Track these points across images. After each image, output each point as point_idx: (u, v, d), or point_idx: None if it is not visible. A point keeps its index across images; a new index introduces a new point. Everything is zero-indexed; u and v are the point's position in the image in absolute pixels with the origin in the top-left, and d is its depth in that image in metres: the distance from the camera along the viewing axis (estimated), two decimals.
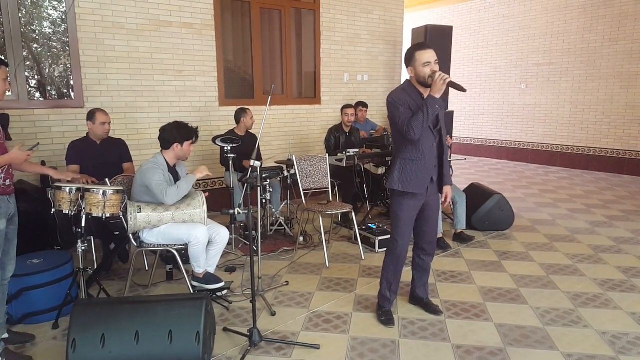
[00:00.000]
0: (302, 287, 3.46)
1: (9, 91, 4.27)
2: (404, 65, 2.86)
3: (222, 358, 2.55)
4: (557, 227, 4.99)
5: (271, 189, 4.50)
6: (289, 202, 5.05)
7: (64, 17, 4.69)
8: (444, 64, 6.32)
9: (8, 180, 2.45)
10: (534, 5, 9.08)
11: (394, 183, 2.75)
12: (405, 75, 3.51)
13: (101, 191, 2.84)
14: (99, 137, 3.86)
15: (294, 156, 4.32)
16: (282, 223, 4.69)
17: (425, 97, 2.61)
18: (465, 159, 9.71)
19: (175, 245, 3.13)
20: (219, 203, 4.26)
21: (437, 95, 2.55)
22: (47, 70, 5.18)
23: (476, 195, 4.88)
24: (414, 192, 2.73)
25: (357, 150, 5.01)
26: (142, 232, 3.12)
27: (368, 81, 6.99)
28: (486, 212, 4.73)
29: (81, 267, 2.89)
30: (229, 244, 3.94)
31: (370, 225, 4.45)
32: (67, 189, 2.80)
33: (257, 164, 2.86)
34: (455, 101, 9.97)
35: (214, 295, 3.15)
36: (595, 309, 3.07)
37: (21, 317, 2.89)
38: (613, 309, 3.07)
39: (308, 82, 6.60)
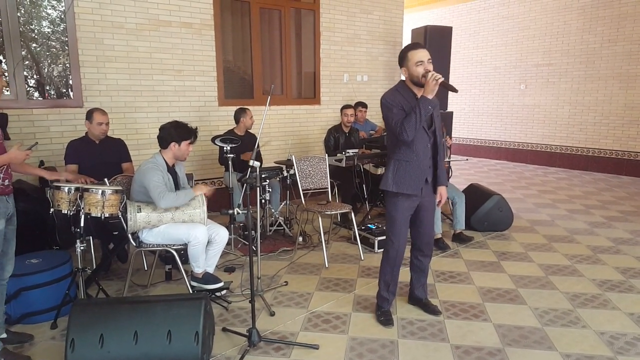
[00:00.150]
0: (301, 287, 3.46)
1: (7, 90, 4.31)
2: None
3: (221, 358, 2.54)
4: (556, 227, 4.99)
5: (270, 189, 4.50)
6: (288, 202, 5.05)
7: (63, 16, 4.68)
8: (444, 64, 6.33)
9: (7, 180, 2.44)
10: (533, 6, 9.09)
11: (388, 184, 2.74)
12: None
13: (100, 191, 2.84)
14: (96, 136, 3.85)
15: (293, 156, 4.32)
16: (282, 223, 4.69)
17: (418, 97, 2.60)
18: (467, 159, 9.71)
19: (174, 245, 3.12)
20: (218, 203, 4.26)
21: (430, 96, 2.54)
22: (46, 69, 5.17)
23: (475, 195, 4.88)
24: (408, 193, 2.72)
25: (356, 150, 5.02)
26: (141, 232, 3.11)
27: (368, 81, 6.99)
28: (485, 212, 4.73)
29: (80, 267, 2.89)
30: (228, 244, 3.94)
31: (369, 225, 4.45)
32: (66, 189, 2.80)
33: (257, 164, 2.86)
34: (454, 102, 9.98)
35: (213, 295, 3.15)
36: (594, 310, 3.07)
37: (20, 317, 2.88)
38: (611, 310, 3.07)
39: (307, 83, 6.60)
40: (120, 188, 2.98)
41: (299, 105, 6.39)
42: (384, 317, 2.90)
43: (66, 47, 4.73)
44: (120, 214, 2.99)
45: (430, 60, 2.61)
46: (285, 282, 3.55)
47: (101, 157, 3.82)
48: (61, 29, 4.92)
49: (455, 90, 2.68)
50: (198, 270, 3.17)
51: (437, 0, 10.06)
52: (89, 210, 2.82)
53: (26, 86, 4.61)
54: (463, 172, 8.55)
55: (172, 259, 3.39)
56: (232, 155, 4.23)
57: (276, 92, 6.23)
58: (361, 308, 3.12)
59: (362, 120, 6.04)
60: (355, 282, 3.56)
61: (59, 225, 3.65)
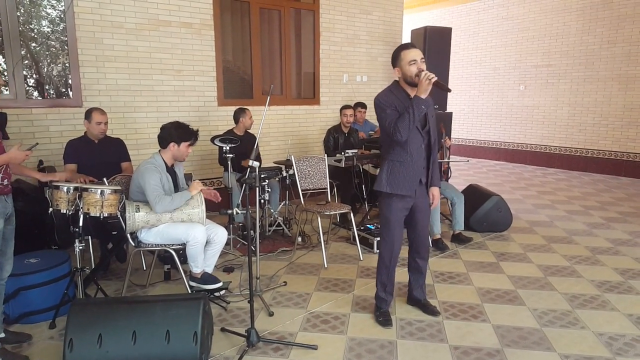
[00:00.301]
0: (300, 288, 3.46)
1: (6, 90, 4.30)
2: None
3: (220, 358, 2.54)
4: (555, 228, 5.00)
5: (270, 189, 4.50)
6: (287, 202, 5.05)
7: (62, 15, 4.68)
8: (443, 65, 6.33)
9: (6, 180, 2.44)
10: (532, 7, 9.10)
11: (382, 185, 2.73)
12: None
13: (99, 191, 2.84)
14: (95, 136, 3.85)
15: (292, 156, 4.32)
16: (281, 223, 4.69)
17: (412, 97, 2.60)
18: (468, 160, 9.71)
19: (173, 245, 3.12)
20: (217, 203, 4.25)
21: (424, 95, 2.54)
22: (46, 69, 5.17)
23: (474, 196, 4.88)
24: (402, 194, 2.72)
25: (355, 151, 5.02)
26: (140, 232, 3.11)
27: (367, 82, 6.99)
28: (484, 213, 4.74)
29: (78, 266, 2.89)
30: (227, 244, 3.94)
31: (368, 225, 4.45)
32: (65, 188, 2.79)
33: (256, 164, 2.85)
34: (454, 102, 9.98)
35: (212, 296, 3.15)
36: (593, 311, 3.08)
37: (18, 317, 2.88)
38: (610, 311, 3.08)
39: (307, 83, 6.60)
40: (119, 188, 2.98)
41: (299, 105, 6.39)
42: (383, 318, 2.90)
43: (66, 47, 4.72)
44: (119, 213, 2.99)
45: (424, 60, 2.61)
46: (284, 282, 3.55)
47: (100, 156, 3.82)
48: (61, 28, 4.92)
49: (448, 90, 2.67)
50: (197, 270, 3.17)
51: (436, 1, 10.06)
52: (88, 209, 2.82)
53: (25, 85, 4.60)
54: (462, 172, 8.55)
55: (170, 259, 3.38)
56: (231, 155, 4.23)
57: (276, 92, 6.23)
58: (360, 308, 3.12)
59: (361, 120, 6.04)
60: (354, 282, 3.56)
61: (57, 225, 3.64)
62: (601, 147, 8.34)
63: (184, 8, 5.20)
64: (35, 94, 5.09)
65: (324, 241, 3.99)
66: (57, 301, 2.92)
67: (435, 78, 2.51)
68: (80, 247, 2.88)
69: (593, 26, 8.23)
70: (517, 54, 9.46)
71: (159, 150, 3.23)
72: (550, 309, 3.09)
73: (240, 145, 4.38)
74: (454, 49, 7.82)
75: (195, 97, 5.43)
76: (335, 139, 5.35)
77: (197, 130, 3.27)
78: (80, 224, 2.84)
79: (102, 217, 2.87)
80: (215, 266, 3.38)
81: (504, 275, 3.69)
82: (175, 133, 3.16)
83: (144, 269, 3.81)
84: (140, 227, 3.06)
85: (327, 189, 4.42)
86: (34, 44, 5.02)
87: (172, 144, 3.16)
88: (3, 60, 4.43)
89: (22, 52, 4.51)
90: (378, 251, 2.98)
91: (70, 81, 4.75)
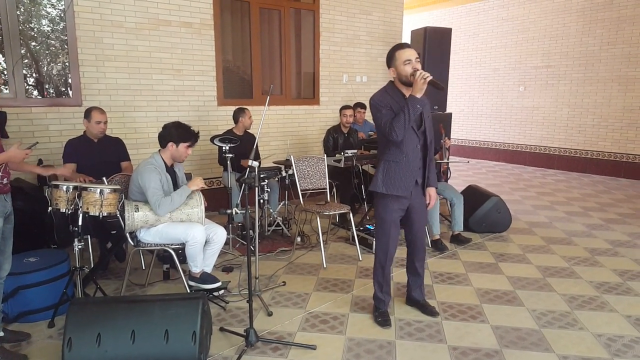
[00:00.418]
0: (299, 288, 3.46)
1: (6, 88, 4.30)
2: None
3: (219, 358, 2.54)
4: (554, 229, 5.00)
5: (269, 189, 4.49)
6: (286, 202, 5.05)
7: (62, 15, 4.68)
8: (443, 65, 6.32)
9: (5, 179, 2.44)
10: (532, 8, 9.11)
11: (377, 185, 2.73)
12: None
13: (98, 190, 2.83)
14: (95, 135, 3.85)
15: (292, 156, 4.32)
16: (280, 223, 4.69)
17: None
18: (468, 161, 9.71)
19: (172, 244, 3.12)
20: (216, 203, 4.25)
21: (419, 95, 2.54)
22: (45, 68, 5.17)
23: (474, 197, 4.88)
24: (397, 195, 2.72)
25: (355, 151, 5.02)
26: (139, 231, 3.11)
27: (367, 82, 6.99)
28: (483, 214, 4.74)
29: (77, 265, 2.88)
30: (227, 243, 3.94)
31: (367, 226, 4.45)
32: (64, 188, 2.79)
33: (255, 164, 2.85)
34: (453, 103, 9.99)
35: (211, 295, 3.15)
36: (591, 312, 3.08)
37: (17, 316, 2.88)
38: (609, 312, 3.08)
39: (307, 83, 6.60)
40: (118, 187, 2.98)
41: (298, 105, 6.39)
42: (382, 318, 2.90)
43: (65, 46, 4.72)
44: (118, 213, 2.98)
45: (418, 59, 2.61)
46: (283, 282, 3.55)
47: (99, 156, 3.82)
48: (61, 27, 4.91)
49: (442, 88, 2.67)
50: (196, 269, 3.17)
51: (436, 1, 10.07)
52: (87, 209, 2.82)
53: (25, 84, 4.60)
54: (461, 173, 8.55)
55: (170, 259, 3.38)
56: (230, 155, 4.23)
57: (275, 92, 6.23)
58: (359, 309, 3.12)
59: (360, 121, 6.04)
60: (353, 282, 3.56)
61: (57, 224, 3.65)
62: (601, 149, 8.34)
63: (184, 8, 5.20)
64: (35, 93, 5.09)
65: (323, 241, 3.99)
66: (56, 300, 2.92)
67: (430, 77, 2.52)
68: (80, 247, 2.88)
69: (593, 27, 8.24)
70: (517, 55, 9.47)
71: (159, 150, 3.23)
72: (549, 310, 3.10)
73: (239, 145, 4.38)
74: (454, 49, 7.83)
75: (195, 96, 5.43)
76: (334, 139, 5.35)
77: (198, 132, 3.26)
78: (80, 223, 2.84)
79: (101, 217, 2.86)
80: (214, 266, 3.38)
81: (503, 276, 3.69)
82: (175, 133, 3.15)
83: (143, 268, 3.81)
84: (140, 227, 3.06)
85: (326, 189, 4.42)
86: (33, 43, 5.01)
87: (170, 143, 3.16)
88: (3, 59, 4.43)
89: (22, 51, 4.51)
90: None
91: (70, 80, 4.75)
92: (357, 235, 4.19)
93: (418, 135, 2.70)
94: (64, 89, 5.25)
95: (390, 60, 2.67)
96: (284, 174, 4.36)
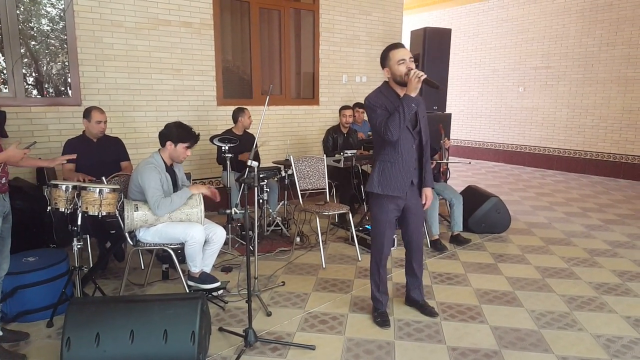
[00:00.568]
0: (298, 288, 3.45)
1: (5, 88, 4.29)
2: None
3: (218, 358, 2.54)
4: (553, 230, 5.00)
5: (268, 189, 4.49)
6: (286, 202, 5.05)
7: (62, 14, 4.67)
8: (442, 66, 6.33)
9: (3, 178, 2.44)
10: (532, 9, 9.12)
11: (373, 186, 2.73)
12: None
13: (97, 189, 2.83)
14: (94, 135, 3.85)
15: (291, 156, 4.32)
16: (279, 223, 4.69)
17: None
18: (470, 162, 9.70)
19: (171, 244, 3.12)
20: (216, 203, 4.25)
21: (413, 94, 2.54)
22: (45, 67, 5.16)
23: (473, 197, 4.89)
24: (393, 195, 2.71)
25: (354, 151, 5.01)
26: (139, 231, 3.11)
27: (366, 82, 6.99)
28: (483, 214, 4.74)
29: (76, 265, 2.88)
30: (226, 243, 3.93)
31: (367, 226, 4.44)
32: (64, 187, 2.79)
33: (255, 163, 2.85)
34: (453, 104, 9.99)
35: (210, 295, 3.14)
36: (590, 312, 3.08)
37: (15, 315, 2.87)
38: (608, 313, 3.08)
39: (306, 83, 6.60)
40: (117, 187, 2.97)
41: (298, 105, 6.39)
42: (381, 319, 2.90)
43: (65, 45, 4.72)
44: (117, 212, 2.98)
45: (412, 59, 2.62)
46: (282, 282, 3.55)
47: (99, 155, 3.82)
48: (60, 27, 4.91)
49: (437, 87, 2.67)
50: (195, 269, 3.17)
51: (436, 2, 10.08)
52: (86, 208, 2.81)
53: (25, 84, 4.59)
54: (461, 173, 8.56)
55: (169, 258, 3.38)
56: (230, 155, 4.22)
57: (275, 92, 6.23)
58: (358, 309, 3.12)
59: (360, 121, 6.04)
60: (353, 283, 3.56)
61: (56, 224, 3.64)
62: (600, 149, 8.35)
63: (184, 7, 5.20)
64: (35, 92, 5.08)
65: (322, 241, 3.99)
66: (55, 300, 2.91)
67: (425, 76, 2.52)
68: (79, 246, 2.88)
69: (592, 28, 8.24)
70: (516, 56, 9.48)
71: (159, 149, 3.22)
72: (548, 311, 3.10)
73: (239, 145, 4.38)
74: (453, 50, 7.82)
75: (195, 96, 5.43)
76: (334, 140, 5.35)
77: (198, 134, 3.25)
78: (79, 222, 2.83)
79: (100, 216, 2.86)
80: (213, 266, 3.38)
81: (502, 277, 3.69)
82: (176, 132, 3.15)
83: (142, 268, 3.80)
84: (139, 226, 3.05)
85: (325, 189, 4.42)
86: (33, 42, 5.01)
87: (169, 142, 3.15)
88: (2, 58, 4.43)
89: (22, 51, 4.51)
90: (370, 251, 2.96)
91: (69, 80, 4.75)
92: (357, 236, 4.19)
93: (413, 136, 2.70)
94: (63, 89, 5.25)
95: (384, 60, 2.67)
96: (283, 174, 4.36)
